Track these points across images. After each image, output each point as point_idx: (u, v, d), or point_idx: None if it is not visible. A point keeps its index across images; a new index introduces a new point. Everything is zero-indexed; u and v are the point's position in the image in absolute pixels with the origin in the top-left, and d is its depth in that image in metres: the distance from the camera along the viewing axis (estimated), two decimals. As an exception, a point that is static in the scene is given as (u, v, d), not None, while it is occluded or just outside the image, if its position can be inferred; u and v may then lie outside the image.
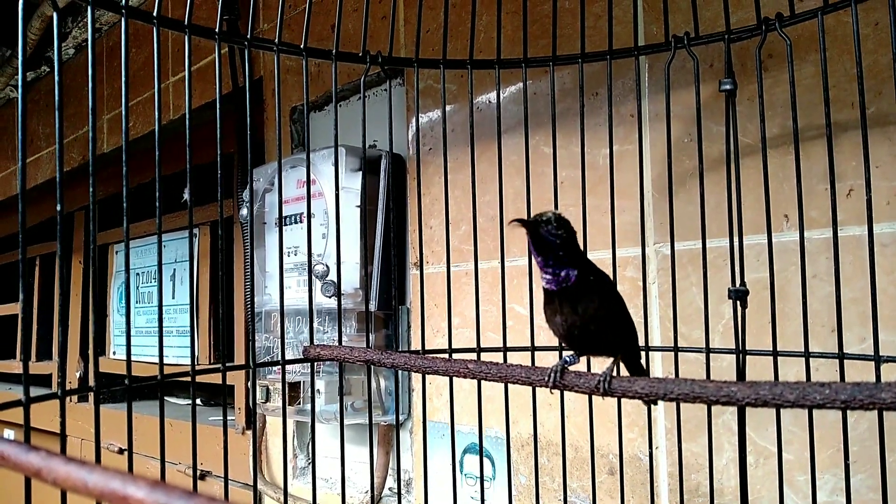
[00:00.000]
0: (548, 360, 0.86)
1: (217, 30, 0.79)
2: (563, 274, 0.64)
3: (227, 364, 0.81)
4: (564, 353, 0.70)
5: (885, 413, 0.70)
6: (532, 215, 0.64)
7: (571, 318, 0.65)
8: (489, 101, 1.25)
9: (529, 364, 0.74)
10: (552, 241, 0.63)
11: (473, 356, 0.89)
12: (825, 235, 0.86)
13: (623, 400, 0.78)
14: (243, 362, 1.81)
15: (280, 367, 0.86)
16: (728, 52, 0.80)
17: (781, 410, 0.86)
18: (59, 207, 0.67)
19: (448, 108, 1.26)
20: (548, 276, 0.65)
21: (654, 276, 1.02)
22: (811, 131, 0.87)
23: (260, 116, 1.75)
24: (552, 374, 0.67)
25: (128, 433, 0.74)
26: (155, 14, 0.74)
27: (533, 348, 0.90)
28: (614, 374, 0.65)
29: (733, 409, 0.92)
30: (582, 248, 0.68)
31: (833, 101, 0.75)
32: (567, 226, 0.64)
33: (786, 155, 0.90)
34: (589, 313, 0.65)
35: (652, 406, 0.97)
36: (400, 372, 1.34)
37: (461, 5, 1.25)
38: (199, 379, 0.81)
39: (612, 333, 0.68)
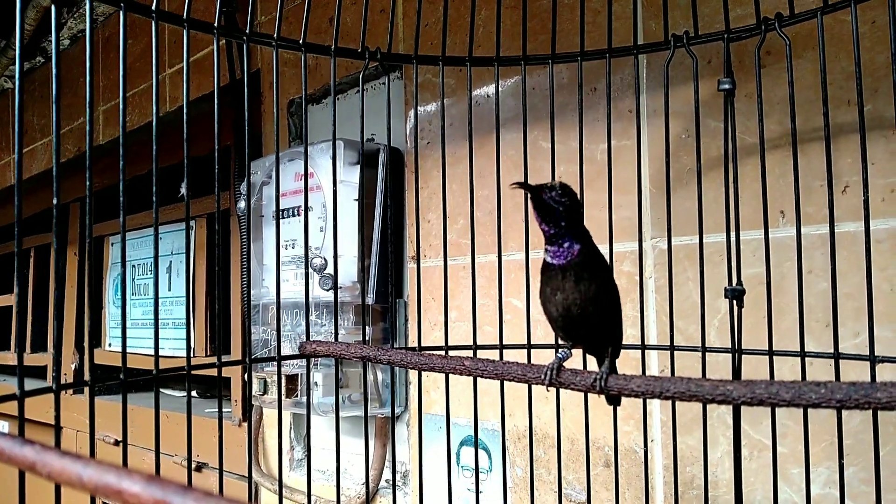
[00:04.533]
0: (544, 356, 0.87)
1: (216, 24, 0.79)
2: (566, 246, 0.63)
3: (223, 360, 0.81)
4: (559, 350, 0.70)
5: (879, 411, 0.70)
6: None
7: (573, 295, 0.64)
8: (487, 95, 1.25)
9: (526, 361, 0.74)
10: (555, 207, 0.62)
11: (470, 353, 0.89)
12: (821, 231, 0.87)
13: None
14: (240, 354, 1.82)
15: (276, 362, 0.86)
16: (727, 52, 0.80)
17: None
18: (55, 200, 0.67)
19: (446, 101, 1.26)
20: (553, 249, 0.64)
21: (651, 271, 1.02)
22: (808, 129, 0.88)
23: (257, 109, 1.74)
24: (548, 373, 0.66)
25: (122, 428, 0.74)
26: (154, 8, 0.73)
27: (529, 346, 0.91)
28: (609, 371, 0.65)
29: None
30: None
31: (830, 99, 0.76)
32: (572, 195, 0.62)
33: (783, 152, 0.91)
34: (592, 291, 0.64)
35: (647, 399, 0.97)
36: (397, 365, 1.34)
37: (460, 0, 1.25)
38: (195, 371, 0.81)
39: (609, 318, 0.67)
